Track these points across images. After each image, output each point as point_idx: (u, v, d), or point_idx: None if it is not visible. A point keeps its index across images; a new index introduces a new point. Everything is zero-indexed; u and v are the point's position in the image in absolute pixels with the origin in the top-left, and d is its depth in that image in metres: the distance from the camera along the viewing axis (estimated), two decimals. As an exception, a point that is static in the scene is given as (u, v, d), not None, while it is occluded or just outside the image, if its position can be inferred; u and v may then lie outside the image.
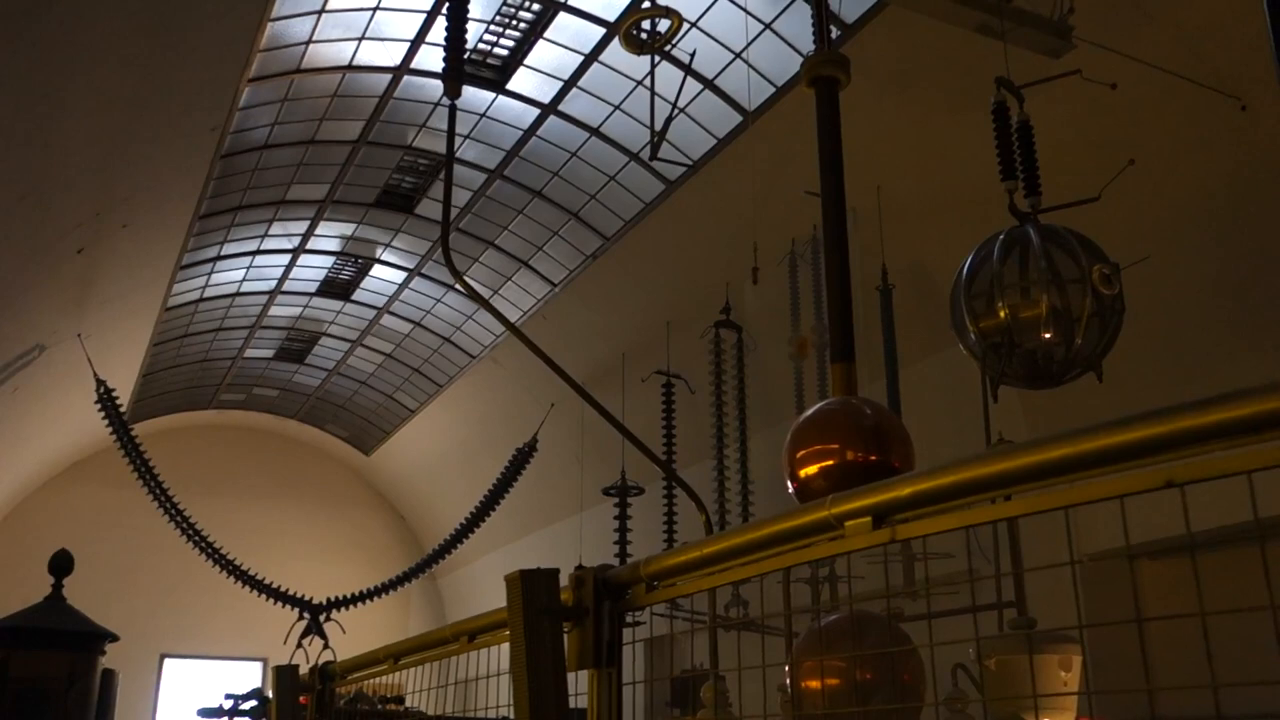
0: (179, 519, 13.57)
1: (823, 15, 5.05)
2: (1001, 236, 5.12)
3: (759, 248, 10.58)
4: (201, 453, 22.33)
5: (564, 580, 2.31)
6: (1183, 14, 7.63)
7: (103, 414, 13.08)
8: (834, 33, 9.23)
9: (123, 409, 13.40)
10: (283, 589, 13.70)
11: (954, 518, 1.53)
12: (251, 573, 13.82)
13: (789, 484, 4.05)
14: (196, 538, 13.65)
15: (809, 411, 4.24)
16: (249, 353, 20.91)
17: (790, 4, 10.17)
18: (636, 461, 10.18)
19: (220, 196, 14.25)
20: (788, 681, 3.85)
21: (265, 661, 21.38)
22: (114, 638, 7.48)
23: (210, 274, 16.96)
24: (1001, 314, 4.94)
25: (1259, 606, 1.29)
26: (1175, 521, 1.35)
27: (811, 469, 3.91)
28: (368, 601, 14.15)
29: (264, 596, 13.80)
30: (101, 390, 12.92)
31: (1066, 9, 6.53)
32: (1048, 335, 4.90)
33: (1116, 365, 5.10)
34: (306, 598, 13.56)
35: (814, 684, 3.52)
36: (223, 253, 16.38)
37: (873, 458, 3.85)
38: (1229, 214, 7.95)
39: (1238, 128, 7.45)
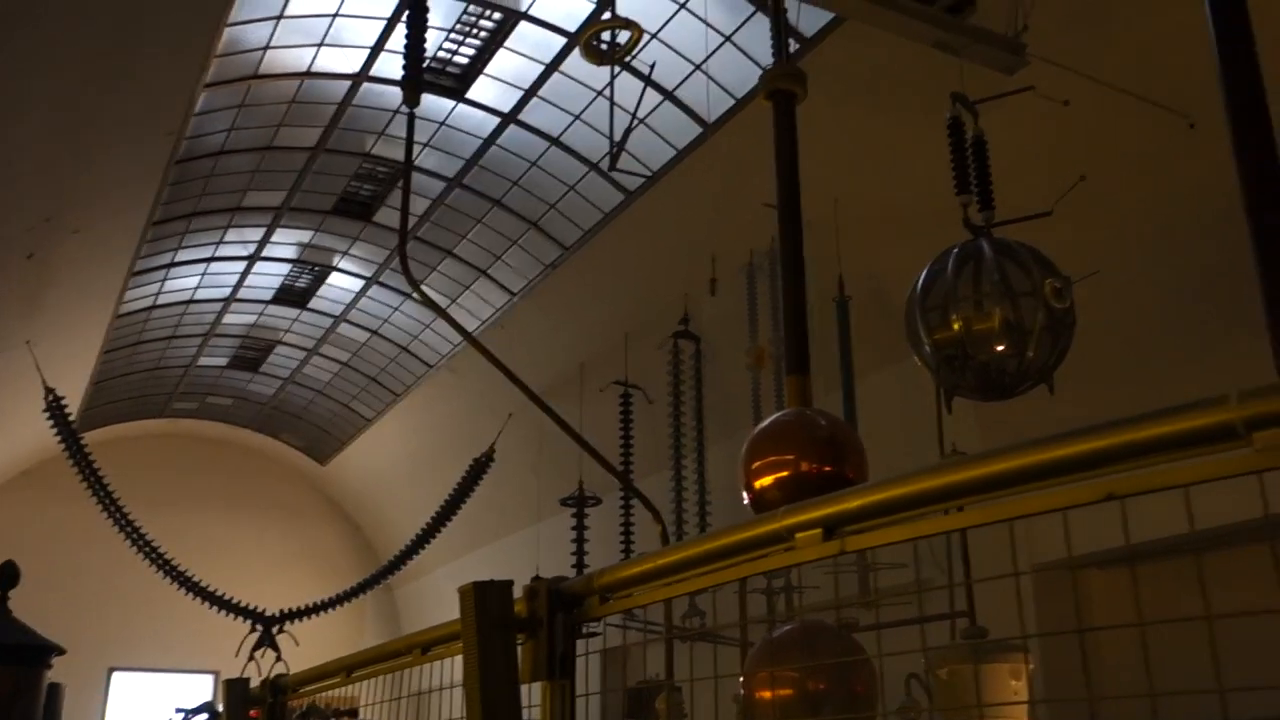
0: (129, 529, 13.33)
1: (781, 28, 5.09)
2: (956, 250, 5.18)
3: (717, 259, 10.63)
4: (153, 462, 21.97)
5: (519, 592, 2.30)
6: (1134, 33, 7.77)
7: (51, 423, 12.84)
8: (793, 46, 9.32)
9: (72, 418, 13.17)
10: (235, 600, 13.52)
11: (903, 529, 1.55)
12: (203, 584, 13.62)
13: (745, 495, 4.06)
14: (147, 548, 13.42)
15: (764, 423, 4.26)
16: (203, 361, 20.65)
17: (750, 16, 10.25)
18: (594, 472, 10.16)
19: (175, 202, 14.08)
20: (742, 692, 3.86)
21: (216, 675, 21.05)
22: (60, 651, 7.33)
23: (164, 281, 16.74)
24: (955, 326, 4.99)
25: (1196, 616, 1.32)
26: (1124, 532, 1.37)
27: (766, 480, 3.92)
28: (322, 613, 13.99)
29: (215, 608, 13.60)
30: (50, 399, 12.69)
31: (1021, 26, 6.63)
32: (1000, 348, 4.96)
33: (1069, 378, 5.17)
34: (259, 609, 13.37)
35: (767, 694, 3.53)
36: (176, 259, 16.18)
37: (827, 469, 3.87)
38: (1178, 229, 8.10)
39: (1186, 145, 7.59)
